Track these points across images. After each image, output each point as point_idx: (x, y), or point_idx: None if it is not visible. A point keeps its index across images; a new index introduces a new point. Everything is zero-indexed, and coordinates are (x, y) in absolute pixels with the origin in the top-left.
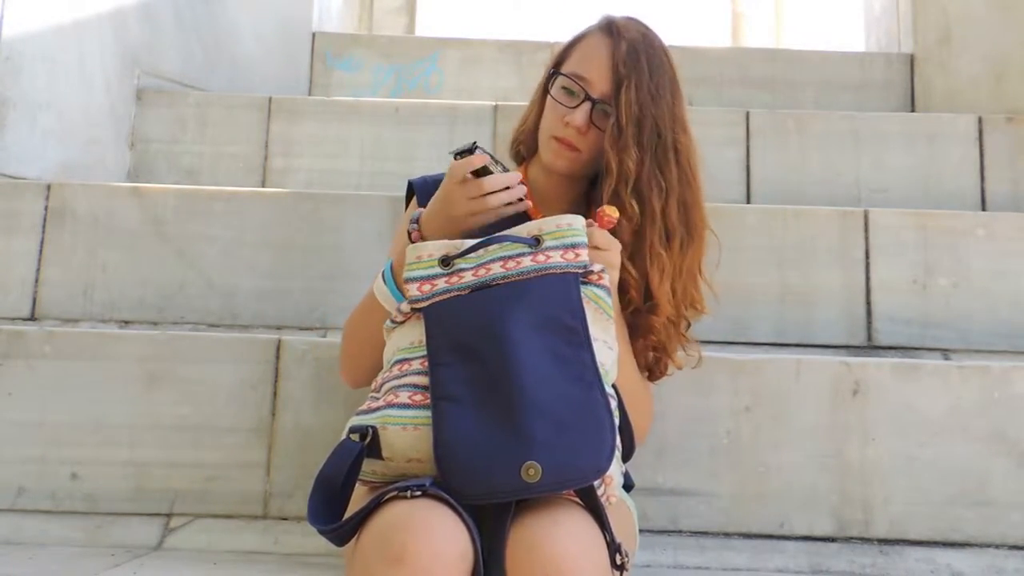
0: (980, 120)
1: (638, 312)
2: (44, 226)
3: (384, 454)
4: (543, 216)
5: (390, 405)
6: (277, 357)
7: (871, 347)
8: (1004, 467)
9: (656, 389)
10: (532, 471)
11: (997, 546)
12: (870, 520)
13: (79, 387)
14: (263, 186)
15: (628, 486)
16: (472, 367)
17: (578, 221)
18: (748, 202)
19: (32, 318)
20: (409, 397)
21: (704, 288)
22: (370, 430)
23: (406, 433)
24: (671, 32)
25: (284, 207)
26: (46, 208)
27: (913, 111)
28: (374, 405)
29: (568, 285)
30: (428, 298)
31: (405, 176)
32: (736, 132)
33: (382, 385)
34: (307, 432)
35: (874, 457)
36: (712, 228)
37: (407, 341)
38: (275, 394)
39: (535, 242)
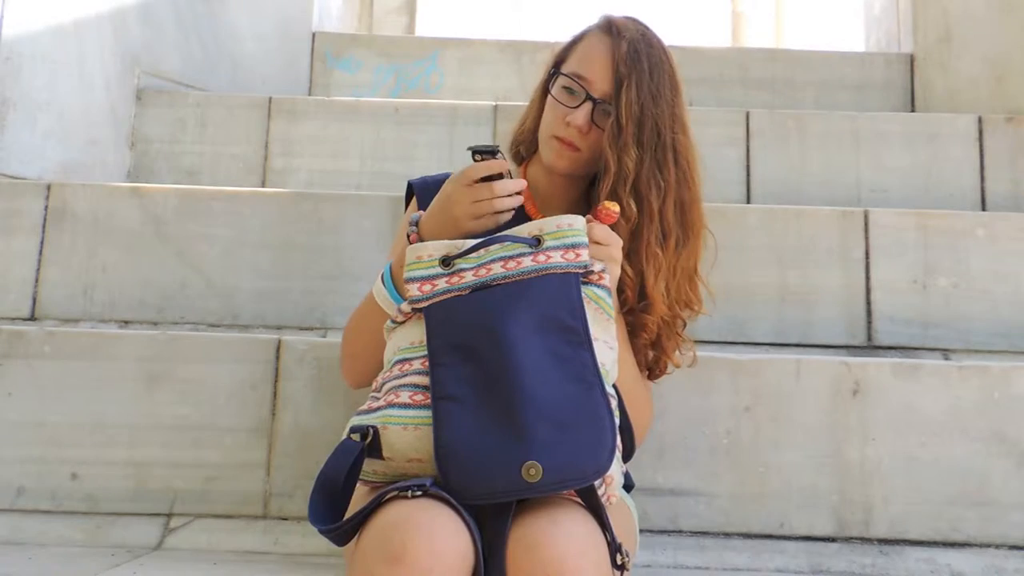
0: (980, 120)
1: (632, 311)
2: (44, 226)
3: (385, 454)
4: (543, 216)
5: (391, 405)
6: (277, 357)
7: (871, 347)
8: (1004, 467)
9: (656, 389)
10: (533, 471)
11: (997, 546)
12: (870, 520)
13: (79, 387)
14: (263, 186)
15: (628, 486)
16: (473, 367)
17: (578, 221)
18: (748, 202)
19: (32, 318)
20: (410, 397)
21: (701, 288)
22: (371, 430)
23: (407, 433)
24: (671, 32)
25: (284, 207)
26: (46, 208)
27: (913, 111)
28: (375, 405)
29: (569, 285)
30: (428, 298)
31: (405, 176)
32: (736, 132)
33: (383, 385)
34: (307, 432)
35: (874, 457)
36: (709, 228)
37: (408, 341)
38: (275, 394)
39: (535, 242)
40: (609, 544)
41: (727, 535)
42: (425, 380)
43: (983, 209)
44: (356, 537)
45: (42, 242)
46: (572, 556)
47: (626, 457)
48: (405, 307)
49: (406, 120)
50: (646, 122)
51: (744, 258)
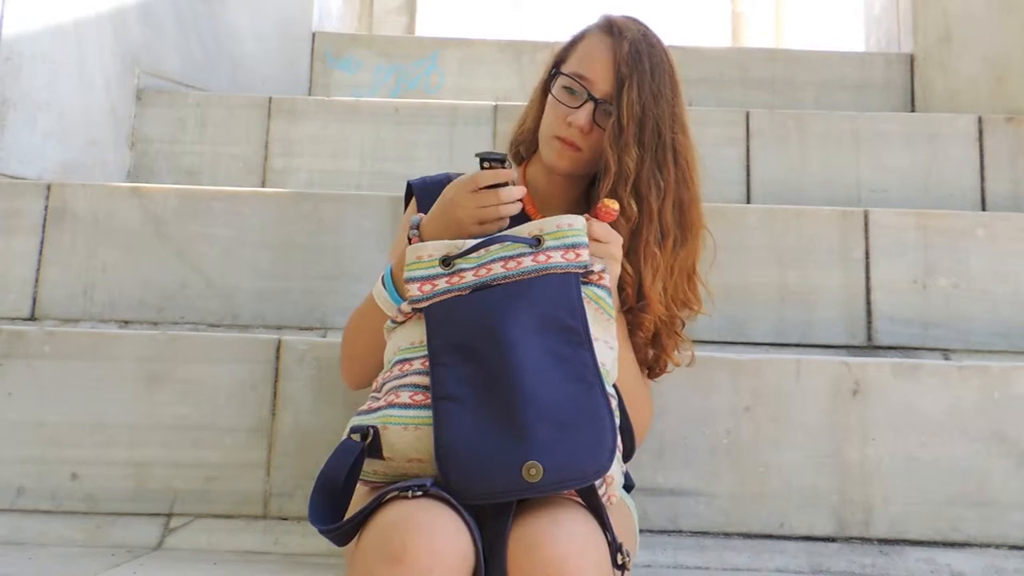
0: (980, 120)
1: (631, 310)
2: (44, 226)
3: (385, 454)
4: (542, 216)
5: (391, 405)
6: (277, 357)
7: (871, 347)
8: (1004, 467)
9: (656, 388)
10: (533, 471)
11: (997, 546)
12: (870, 520)
13: (79, 387)
14: (263, 186)
15: (628, 486)
16: (473, 367)
17: (578, 221)
18: (748, 202)
19: (32, 318)
20: (410, 397)
21: (700, 288)
22: (371, 430)
23: (407, 433)
24: (671, 32)
25: (284, 207)
26: (46, 208)
27: (913, 111)
28: (375, 405)
29: (569, 285)
30: (429, 298)
31: (405, 176)
32: (736, 132)
33: (383, 385)
34: (307, 432)
35: (874, 457)
36: (708, 228)
37: (408, 341)
38: (275, 394)
39: (536, 242)
40: (610, 544)
41: (727, 535)
42: (425, 380)
43: (983, 209)
44: (356, 537)
45: (42, 242)
46: (573, 556)
47: (626, 457)
48: (405, 307)
49: (406, 120)
50: (647, 122)
51: (744, 258)
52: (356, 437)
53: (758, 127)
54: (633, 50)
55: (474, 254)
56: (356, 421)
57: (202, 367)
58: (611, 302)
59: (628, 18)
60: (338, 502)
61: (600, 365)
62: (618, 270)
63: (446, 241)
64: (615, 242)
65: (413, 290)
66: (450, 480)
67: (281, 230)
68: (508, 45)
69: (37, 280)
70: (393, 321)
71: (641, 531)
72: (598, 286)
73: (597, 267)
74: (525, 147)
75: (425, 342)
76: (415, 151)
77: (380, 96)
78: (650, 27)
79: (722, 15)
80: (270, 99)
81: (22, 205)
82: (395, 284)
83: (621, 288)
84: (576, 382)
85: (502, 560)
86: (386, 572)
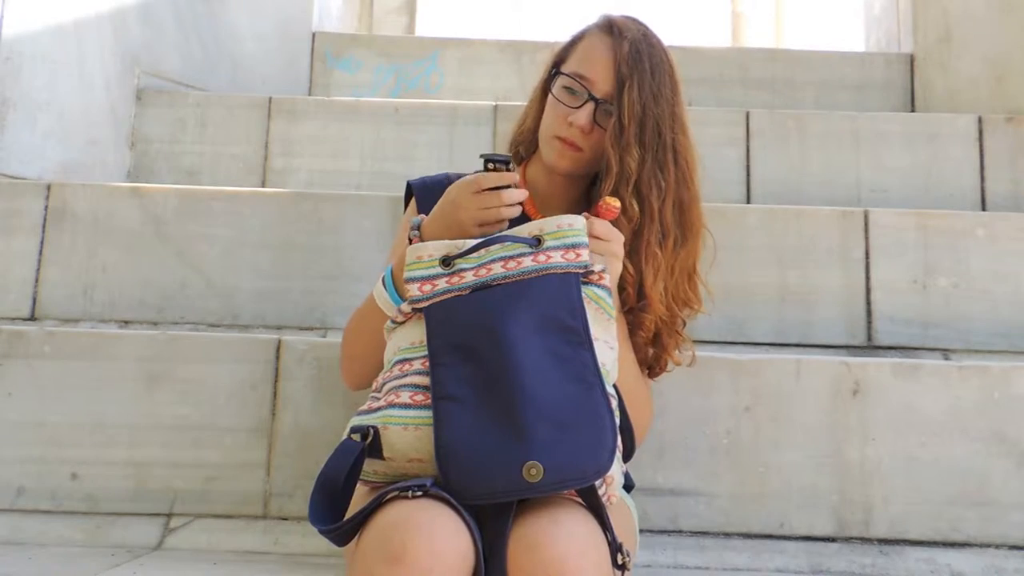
0: (980, 120)
1: (632, 309)
2: (44, 226)
3: (385, 454)
4: (542, 216)
5: (391, 405)
6: (277, 357)
7: (871, 347)
8: (1004, 467)
9: (656, 388)
10: (534, 471)
11: (997, 546)
12: (870, 520)
13: (79, 387)
14: (263, 186)
15: (628, 486)
16: (473, 367)
17: (579, 221)
18: (748, 202)
19: (32, 318)
20: (410, 397)
21: (700, 287)
22: (371, 430)
23: (407, 433)
24: (671, 32)
25: (284, 207)
26: (46, 208)
27: (913, 111)
28: (375, 405)
29: (569, 285)
30: (429, 298)
31: (405, 176)
32: (736, 132)
33: (383, 385)
34: (307, 432)
35: (874, 457)
36: (708, 228)
37: (408, 341)
38: (275, 394)
39: (536, 242)
40: (610, 544)
41: (727, 535)
42: (426, 380)
43: (983, 209)
44: (356, 537)
45: (42, 242)
46: (573, 556)
47: (626, 457)
48: (405, 307)
49: (406, 120)
50: (648, 122)
51: (744, 258)
52: (356, 437)
53: (758, 127)
54: (633, 50)
55: (474, 254)
56: (356, 421)
57: (202, 367)
58: (611, 302)
59: (628, 18)
60: (338, 502)
61: (600, 365)
62: (619, 268)
63: (446, 241)
64: (616, 240)
65: (413, 290)
66: (450, 480)
67: (281, 230)
68: (508, 45)
69: (37, 280)
70: (393, 321)
71: (641, 531)
72: (598, 286)
73: (597, 267)
74: (525, 147)
75: (425, 342)
76: (415, 151)
77: (380, 96)
78: (650, 27)
79: (722, 15)
80: (270, 99)
81: (22, 205)
82: (395, 284)
83: (622, 288)
84: (576, 382)
85: (502, 560)
86: (386, 572)
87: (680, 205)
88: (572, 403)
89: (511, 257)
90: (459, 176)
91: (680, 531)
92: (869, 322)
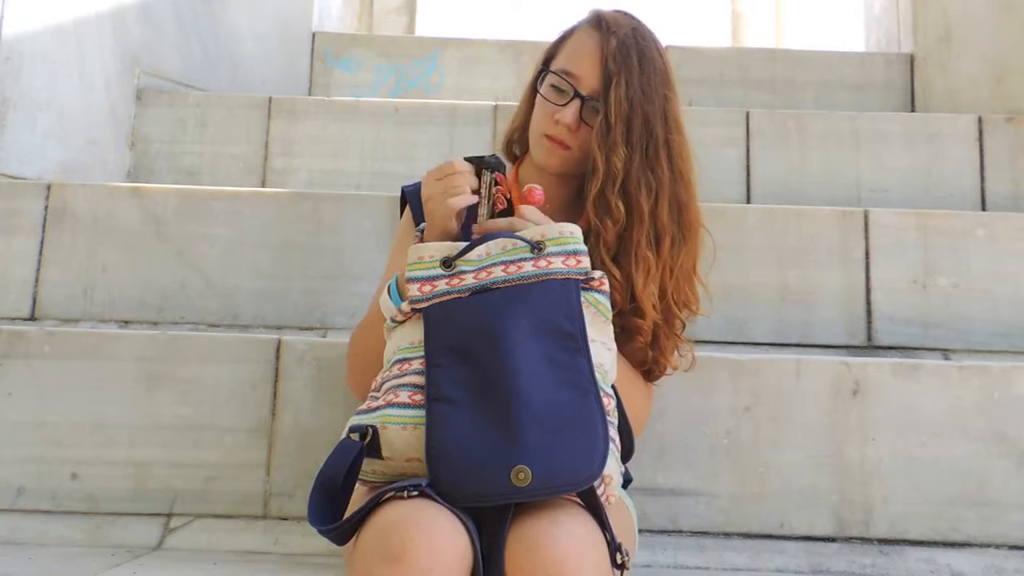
0: (980, 120)
1: (623, 313)
2: (44, 226)
3: (384, 453)
4: (519, 208)
5: (390, 404)
6: (277, 357)
7: (871, 347)
8: (1004, 467)
9: (657, 389)
10: (522, 475)
11: (997, 546)
12: (870, 520)
13: (79, 387)
14: (263, 186)
15: (625, 481)
16: (469, 369)
17: (578, 230)
18: (748, 202)
19: (32, 318)
20: (409, 397)
21: (699, 288)
22: (370, 429)
23: (406, 432)
24: (671, 32)
25: (284, 207)
26: (46, 208)
27: (913, 111)
28: (374, 404)
29: (569, 291)
30: (428, 299)
31: (405, 176)
32: (736, 132)
33: (382, 384)
34: (307, 432)
35: (874, 457)
36: (707, 228)
37: (407, 341)
38: (275, 394)
39: (537, 246)
40: (609, 544)
41: (727, 535)
42: (424, 380)
43: (983, 209)
44: (355, 537)
45: (42, 242)
46: (573, 556)
47: (625, 458)
48: (405, 307)
49: (406, 120)
50: (636, 120)
51: (744, 258)
52: (355, 436)
53: (758, 127)
54: (622, 46)
55: (475, 256)
56: (355, 420)
57: (202, 367)
58: (609, 305)
59: (619, 12)
60: (337, 502)
61: (598, 367)
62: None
63: (448, 242)
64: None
65: (413, 290)
66: (441, 481)
67: (281, 230)
68: (508, 45)
69: (37, 280)
70: (393, 320)
71: (641, 531)
72: (598, 291)
73: (597, 273)
74: (519, 146)
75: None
76: (415, 151)
77: (380, 96)
78: (643, 22)
79: (722, 15)
80: (270, 99)
81: (22, 205)
82: (398, 290)
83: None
84: (571, 388)
85: (501, 560)
86: (386, 572)
87: (678, 204)
88: (566, 409)
89: (512, 261)
90: None
91: (680, 531)
92: (869, 322)
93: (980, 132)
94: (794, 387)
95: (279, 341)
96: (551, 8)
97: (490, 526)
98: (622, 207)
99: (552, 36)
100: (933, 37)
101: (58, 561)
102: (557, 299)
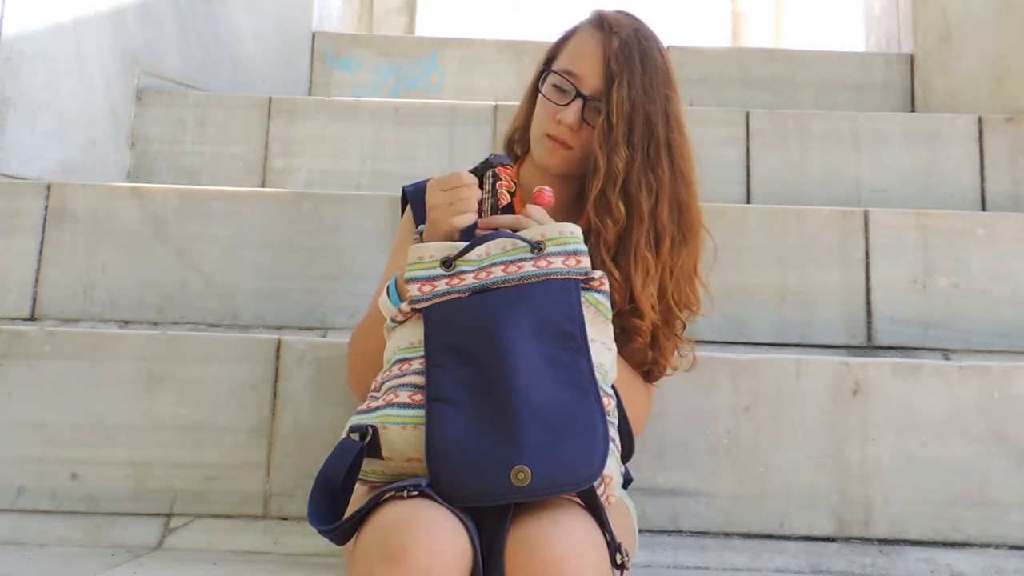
0: (980, 120)
1: (622, 314)
2: (44, 226)
3: (384, 453)
4: (525, 208)
5: (390, 404)
6: (277, 357)
7: (871, 347)
8: (1004, 467)
9: (656, 389)
10: (522, 475)
11: (997, 546)
12: (870, 520)
13: (79, 387)
14: (263, 186)
15: (625, 481)
16: (469, 369)
17: (578, 230)
18: (748, 202)
19: (32, 318)
20: (409, 397)
21: (699, 289)
22: (370, 429)
23: (406, 432)
24: (671, 32)
25: (284, 207)
26: (46, 208)
27: (913, 111)
28: (374, 404)
29: (569, 291)
30: (428, 299)
31: (405, 176)
32: (736, 132)
33: (382, 384)
34: (307, 432)
35: (874, 457)
36: (707, 228)
37: (407, 341)
38: (275, 394)
39: (537, 246)
40: (609, 544)
41: (727, 535)
42: (424, 380)
43: (983, 209)
44: (355, 537)
45: (42, 242)
46: (573, 556)
47: (625, 458)
48: (405, 307)
49: (406, 120)
50: (637, 120)
51: (744, 258)
52: (355, 436)
53: (758, 127)
54: (624, 46)
55: (475, 256)
56: (355, 420)
57: (202, 367)
58: (609, 305)
59: (621, 13)
60: (337, 502)
61: (598, 367)
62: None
63: (448, 242)
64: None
65: (413, 290)
66: (440, 481)
67: (281, 230)
68: (508, 45)
69: (37, 280)
70: (393, 320)
71: (641, 531)
72: (598, 291)
73: (597, 273)
74: (520, 146)
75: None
76: (415, 151)
77: (380, 96)
78: (644, 22)
79: (722, 15)
80: (270, 99)
81: (22, 205)
82: (397, 290)
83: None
84: (571, 388)
85: (501, 560)
86: (386, 571)
87: (679, 204)
88: (566, 409)
89: (512, 261)
90: None
91: (680, 531)
92: (869, 322)
93: (980, 132)
94: (794, 387)
95: (279, 341)
96: (551, 8)
97: (490, 526)
98: (623, 207)
99: (553, 36)
100: (933, 37)
101: (58, 561)
102: (557, 299)
